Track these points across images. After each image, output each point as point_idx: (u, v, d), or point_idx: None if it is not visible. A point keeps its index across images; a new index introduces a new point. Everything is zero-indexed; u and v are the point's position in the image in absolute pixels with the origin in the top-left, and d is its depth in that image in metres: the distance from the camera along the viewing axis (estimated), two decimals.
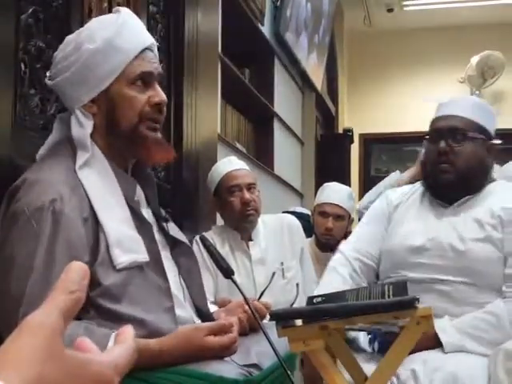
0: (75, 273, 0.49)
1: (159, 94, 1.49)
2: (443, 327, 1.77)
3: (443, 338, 1.76)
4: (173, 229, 1.64)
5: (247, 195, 2.55)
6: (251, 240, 2.64)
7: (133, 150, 1.51)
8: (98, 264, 1.34)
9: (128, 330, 0.55)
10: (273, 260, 2.63)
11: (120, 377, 0.50)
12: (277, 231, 2.72)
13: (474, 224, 1.91)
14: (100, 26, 1.47)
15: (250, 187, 2.59)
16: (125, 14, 1.50)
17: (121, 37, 1.45)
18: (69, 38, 1.51)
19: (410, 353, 1.44)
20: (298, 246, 2.74)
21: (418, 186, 2.13)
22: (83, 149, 1.43)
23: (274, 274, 2.56)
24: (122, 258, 1.36)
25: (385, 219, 2.09)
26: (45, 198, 1.32)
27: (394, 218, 2.07)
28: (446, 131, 1.98)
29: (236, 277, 2.40)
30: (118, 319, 1.31)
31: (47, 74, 1.53)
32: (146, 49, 1.50)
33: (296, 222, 2.79)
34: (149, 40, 1.52)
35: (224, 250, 2.55)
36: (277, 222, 2.75)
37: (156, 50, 1.55)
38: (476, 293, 1.85)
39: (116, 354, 0.51)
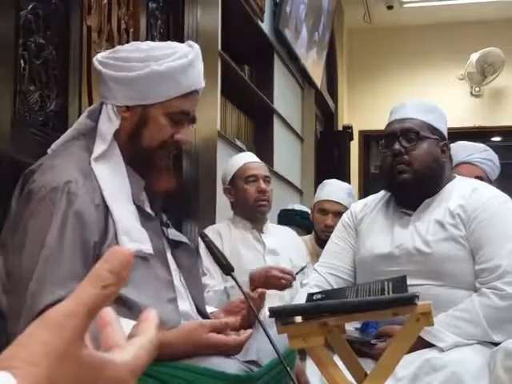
0: (117, 261, 0.44)
1: (185, 134, 1.57)
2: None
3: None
4: (172, 233, 1.68)
5: (263, 185, 2.68)
6: (263, 233, 2.74)
7: (140, 167, 1.56)
8: (105, 247, 1.38)
9: (150, 318, 0.50)
10: (284, 253, 2.72)
11: (136, 378, 0.47)
12: (288, 235, 2.89)
13: (435, 225, 1.93)
14: (172, 55, 1.53)
15: (266, 180, 2.72)
16: (196, 52, 1.58)
17: (183, 73, 1.53)
18: (141, 45, 1.58)
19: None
20: (303, 259, 2.84)
21: (381, 196, 2.14)
22: (103, 141, 1.49)
23: (303, 267, 2.66)
24: (128, 245, 1.39)
25: (352, 231, 2.12)
26: (60, 179, 1.38)
27: (361, 229, 2.10)
28: (400, 133, 1.99)
29: (248, 263, 2.50)
30: (124, 304, 1.34)
31: (99, 57, 1.56)
32: (195, 90, 1.58)
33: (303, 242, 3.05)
34: (202, 84, 1.60)
35: (242, 235, 2.67)
36: (287, 229, 2.95)
37: (200, 93, 1.63)
38: (450, 294, 1.85)
39: (134, 355, 0.47)
